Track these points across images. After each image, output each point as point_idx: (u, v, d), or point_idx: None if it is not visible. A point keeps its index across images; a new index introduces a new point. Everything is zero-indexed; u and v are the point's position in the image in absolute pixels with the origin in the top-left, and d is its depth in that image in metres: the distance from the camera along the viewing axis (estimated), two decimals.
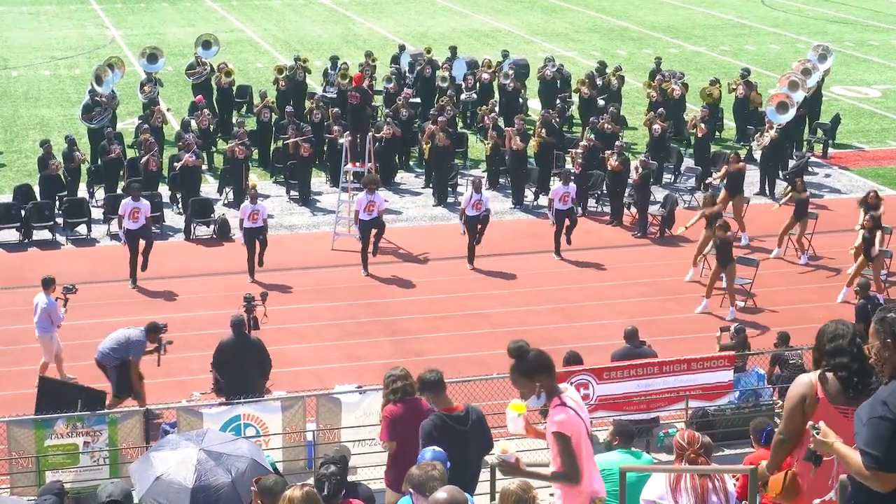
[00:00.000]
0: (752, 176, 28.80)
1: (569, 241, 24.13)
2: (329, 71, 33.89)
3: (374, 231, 23.04)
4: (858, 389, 7.07)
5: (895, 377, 5.97)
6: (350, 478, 10.81)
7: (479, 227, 23.49)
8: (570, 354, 16.84)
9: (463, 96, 32.97)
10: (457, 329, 20.62)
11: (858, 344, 7.15)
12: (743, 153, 30.66)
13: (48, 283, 18.32)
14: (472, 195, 23.41)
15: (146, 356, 17.01)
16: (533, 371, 7.95)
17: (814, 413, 7.08)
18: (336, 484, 9.46)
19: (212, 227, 25.26)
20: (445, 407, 10.64)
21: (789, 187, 24.94)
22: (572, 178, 24.75)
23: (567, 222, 24.00)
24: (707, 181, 26.72)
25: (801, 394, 7.19)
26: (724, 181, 25.11)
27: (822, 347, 7.27)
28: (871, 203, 22.24)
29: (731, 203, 24.73)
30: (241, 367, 16.34)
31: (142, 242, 22.34)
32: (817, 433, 6.36)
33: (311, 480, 9.77)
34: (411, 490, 7.95)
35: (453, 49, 35.90)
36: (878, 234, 21.70)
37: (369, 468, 14.28)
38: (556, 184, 24.94)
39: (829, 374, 7.16)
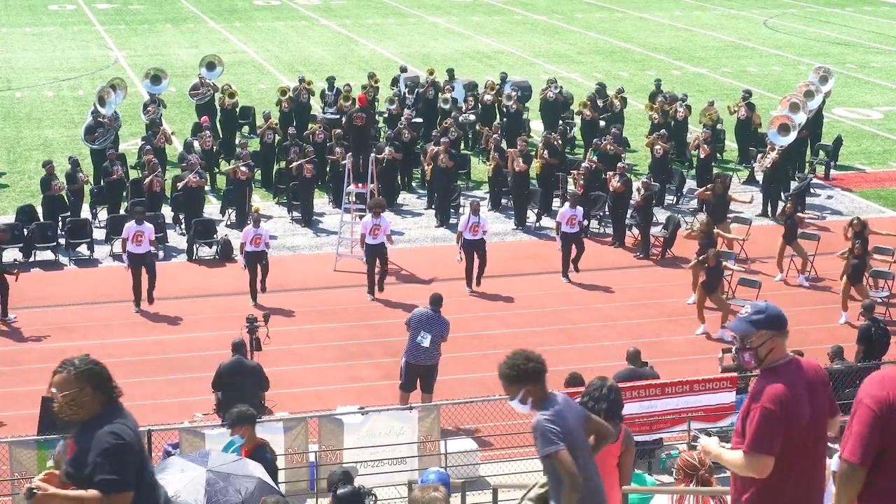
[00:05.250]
0: (754, 198, 28.80)
1: (576, 269, 24.09)
2: (326, 92, 33.96)
3: (377, 268, 22.95)
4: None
5: (85, 421, 6.29)
6: None
7: (478, 258, 23.32)
8: (572, 376, 16.82)
9: (462, 118, 32.91)
10: (459, 350, 20.57)
11: (604, 392, 9.19)
12: (744, 175, 30.79)
13: None
14: (469, 218, 23.37)
15: None
16: None
17: None
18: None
19: (214, 247, 25.28)
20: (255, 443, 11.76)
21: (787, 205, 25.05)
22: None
23: (574, 251, 23.95)
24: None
25: None
26: (707, 206, 25.21)
27: (584, 394, 9.36)
28: (857, 231, 22.37)
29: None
30: (241, 390, 16.28)
31: (146, 278, 22.28)
32: None
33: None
34: None
35: (450, 71, 35.95)
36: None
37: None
38: (563, 206, 24.78)
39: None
